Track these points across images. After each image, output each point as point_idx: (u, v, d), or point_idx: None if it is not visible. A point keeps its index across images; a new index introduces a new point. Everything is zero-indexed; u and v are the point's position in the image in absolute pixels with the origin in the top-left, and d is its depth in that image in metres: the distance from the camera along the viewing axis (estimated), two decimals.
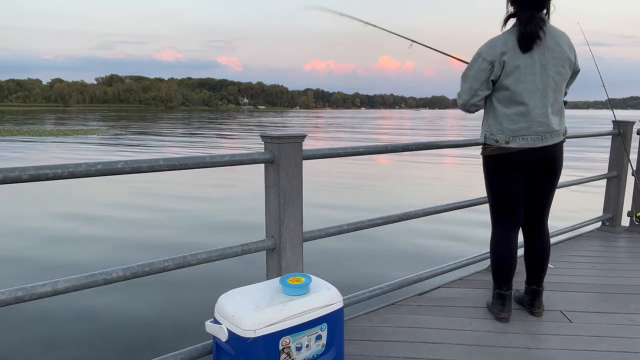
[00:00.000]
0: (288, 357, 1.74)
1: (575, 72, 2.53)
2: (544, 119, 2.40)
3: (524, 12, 2.32)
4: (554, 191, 2.63)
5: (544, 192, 2.59)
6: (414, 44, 3.07)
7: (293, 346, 1.75)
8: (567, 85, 2.56)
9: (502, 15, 2.42)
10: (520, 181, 2.52)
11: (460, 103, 2.51)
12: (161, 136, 29.12)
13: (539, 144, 2.42)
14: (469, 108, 2.51)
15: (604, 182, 4.60)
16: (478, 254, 3.30)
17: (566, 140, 2.56)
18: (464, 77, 2.47)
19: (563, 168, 2.57)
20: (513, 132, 2.41)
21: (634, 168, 4.40)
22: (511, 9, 2.41)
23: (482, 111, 2.61)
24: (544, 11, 2.36)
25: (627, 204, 4.58)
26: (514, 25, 2.38)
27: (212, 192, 10.49)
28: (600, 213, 4.63)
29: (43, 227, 7.30)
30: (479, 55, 2.40)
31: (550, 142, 2.44)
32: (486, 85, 2.41)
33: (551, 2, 2.37)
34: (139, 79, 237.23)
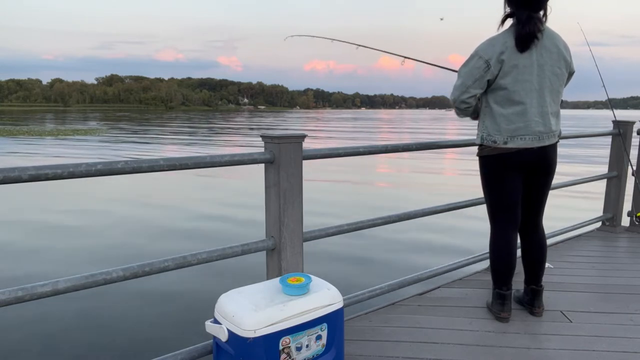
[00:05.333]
0: (288, 357, 1.74)
1: (570, 73, 2.54)
2: (540, 118, 2.40)
3: (522, 13, 2.32)
4: (548, 191, 2.65)
5: (539, 193, 2.60)
6: (406, 59, 3.17)
7: (293, 346, 1.75)
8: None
9: (499, 16, 2.43)
10: (517, 181, 2.52)
11: (452, 99, 2.51)
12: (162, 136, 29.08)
13: (537, 144, 2.42)
14: (459, 105, 2.49)
15: (604, 182, 4.60)
16: (478, 254, 3.30)
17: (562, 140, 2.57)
18: (458, 73, 2.49)
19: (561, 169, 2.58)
20: (511, 132, 2.41)
21: (634, 168, 4.40)
22: (508, 10, 2.41)
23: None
24: (541, 12, 2.36)
25: (627, 204, 4.58)
26: (511, 25, 2.38)
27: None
28: (600, 213, 4.63)
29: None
30: (476, 53, 2.41)
31: (547, 143, 2.44)
32: (479, 83, 2.40)
33: (548, 3, 2.37)
34: (139, 79, 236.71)
